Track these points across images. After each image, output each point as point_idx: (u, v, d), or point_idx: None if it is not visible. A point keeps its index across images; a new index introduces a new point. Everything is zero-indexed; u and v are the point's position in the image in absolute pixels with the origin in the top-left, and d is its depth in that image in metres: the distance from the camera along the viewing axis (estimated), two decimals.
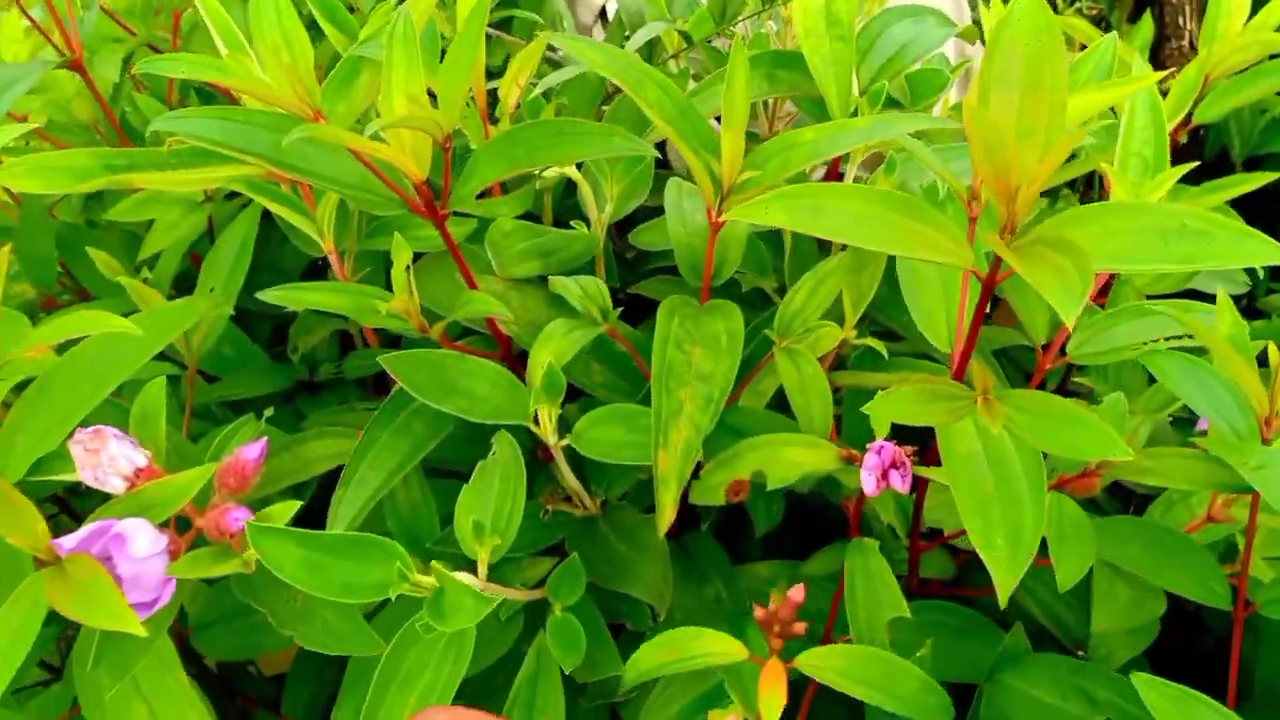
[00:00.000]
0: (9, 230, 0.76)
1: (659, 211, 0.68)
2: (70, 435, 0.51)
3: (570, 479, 0.57)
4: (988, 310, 0.48)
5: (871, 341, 0.58)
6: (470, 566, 0.51)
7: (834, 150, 0.47)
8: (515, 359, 0.60)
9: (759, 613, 0.44)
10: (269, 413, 0.55)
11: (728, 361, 0.48)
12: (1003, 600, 0.39)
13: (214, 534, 0.49)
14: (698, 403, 0.47)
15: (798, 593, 0.44)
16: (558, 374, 0.51)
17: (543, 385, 0.51)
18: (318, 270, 0.78)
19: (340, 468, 0.59)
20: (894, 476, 0.46)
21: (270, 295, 0.51)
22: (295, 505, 0.49)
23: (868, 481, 0.45)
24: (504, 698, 0.57)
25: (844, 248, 0.61)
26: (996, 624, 0.59)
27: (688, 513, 0.66)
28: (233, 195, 0.69)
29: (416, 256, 0.67)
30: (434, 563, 0.46)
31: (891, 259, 0.60)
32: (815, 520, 0.70)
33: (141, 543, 0.46)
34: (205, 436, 0.61)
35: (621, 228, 0.69)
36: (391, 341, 0.71)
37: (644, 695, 0.62)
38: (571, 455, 0.56)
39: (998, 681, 0.55)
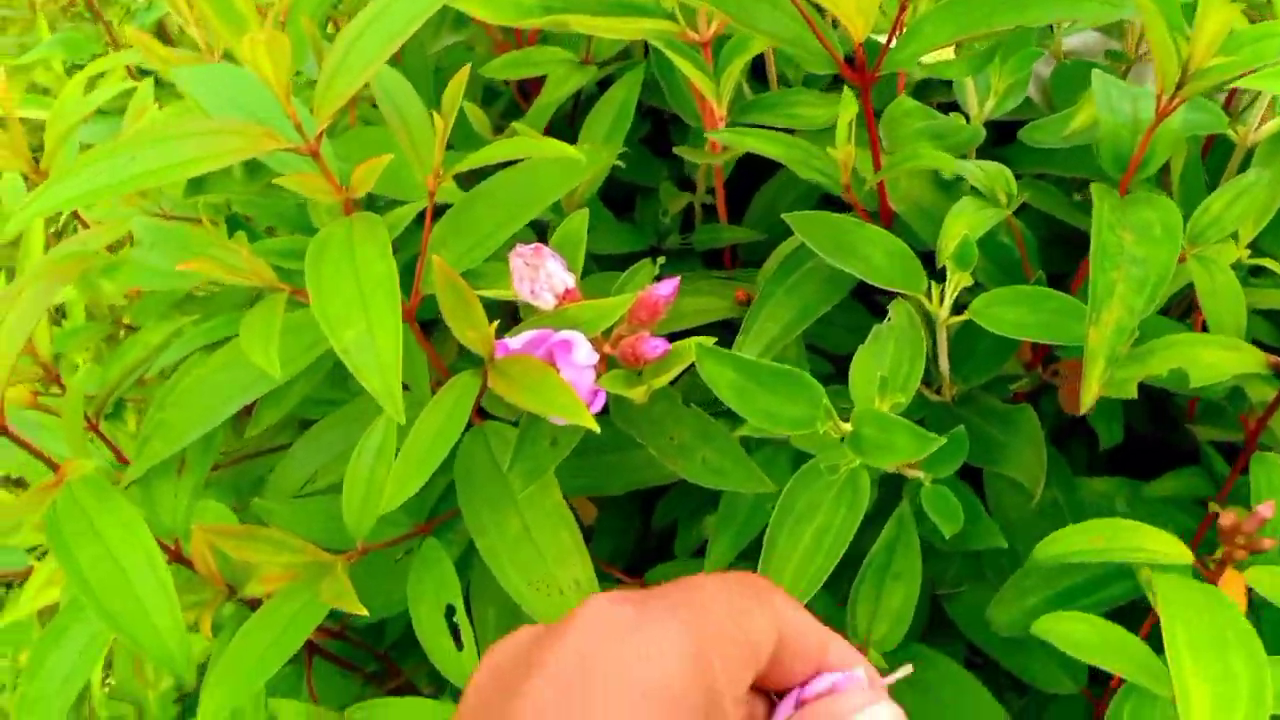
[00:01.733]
0: None
1: None
2: (498, 252, 0.55)
3: (944, 359, 0.57)
4: None
5: (1268, 262, 0.56)
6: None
7: None
8: None
9: (1225, 520, 0.43)
10: (661, 260, 0.57)
11: (1165, 249, 0.47)
12: None
13: (628, 359, 0.52)
14: (1131, 285, 0.47)
15: (1268, 509, 0.43)
16: (972, 246, 0.51)
17: (955, 254, 0.51)
18: (653, 140, 0.80)
19: (703, 325, 0.62)
20: None
21: (720, 135, 0.53)
22: (710, 339, 0.51)
23: None
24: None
25: (1242, 168, 0.59)
26: None
27: None
28: (604, 64, 0.71)
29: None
30: (859, 404, 0.47)
31: None
32: (1142, 446, 0.69)
33: (583, 351, 0.49)
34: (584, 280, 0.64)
35: None
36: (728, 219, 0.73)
37: (973, 590, 0.63)
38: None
39: None
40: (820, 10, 0.53)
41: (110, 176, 0.46)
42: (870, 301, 0.67)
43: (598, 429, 0.46)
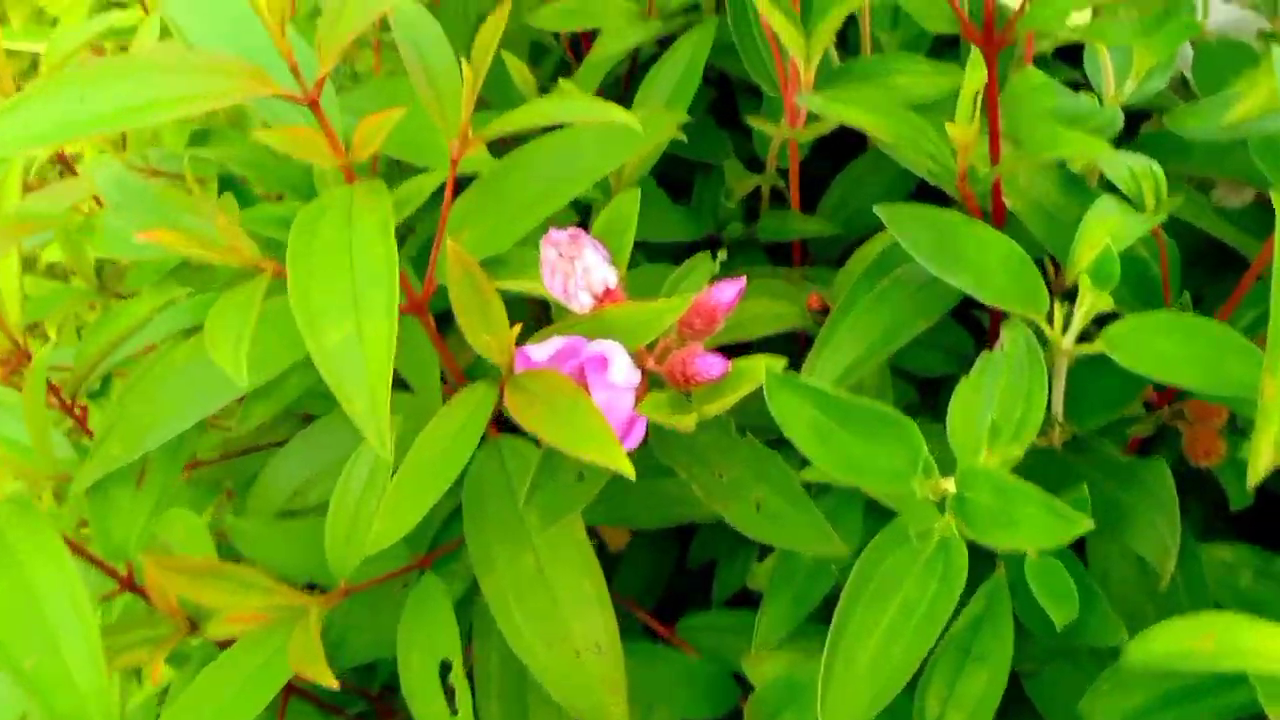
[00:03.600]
0: None
1: None
2: (530, 235, 0.45)
3: (1058, 397, 0.47)
4: None
5: None
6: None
7: None
8: None
9: None
10: (723, 255, 0.48)
11: None
12: None
13: (676, 378, 0.43)
14: None
15: None
16: (1114, 260, 0.41)
17: (1094, 268, 0.41)
18: (717, 110, 0.70)
19: (772, 337, 0.52)
20: None
21: (813, 101, 0.43)
22: (780, 361, 0.41)
23: None
24: None
25: None
26: None
27: None
28: (670, 17, 0.61)
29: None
30: (962, 456, 0.38)
31: None
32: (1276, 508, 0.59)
33: (622, 369, 0.39)
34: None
35: None
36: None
37: (1058, 669, 0.53)
38: None
39: None
40: None
41: (60, 115, 0.37)
42: (966, 315, 0.57)
43: (633, 474, 0.37)
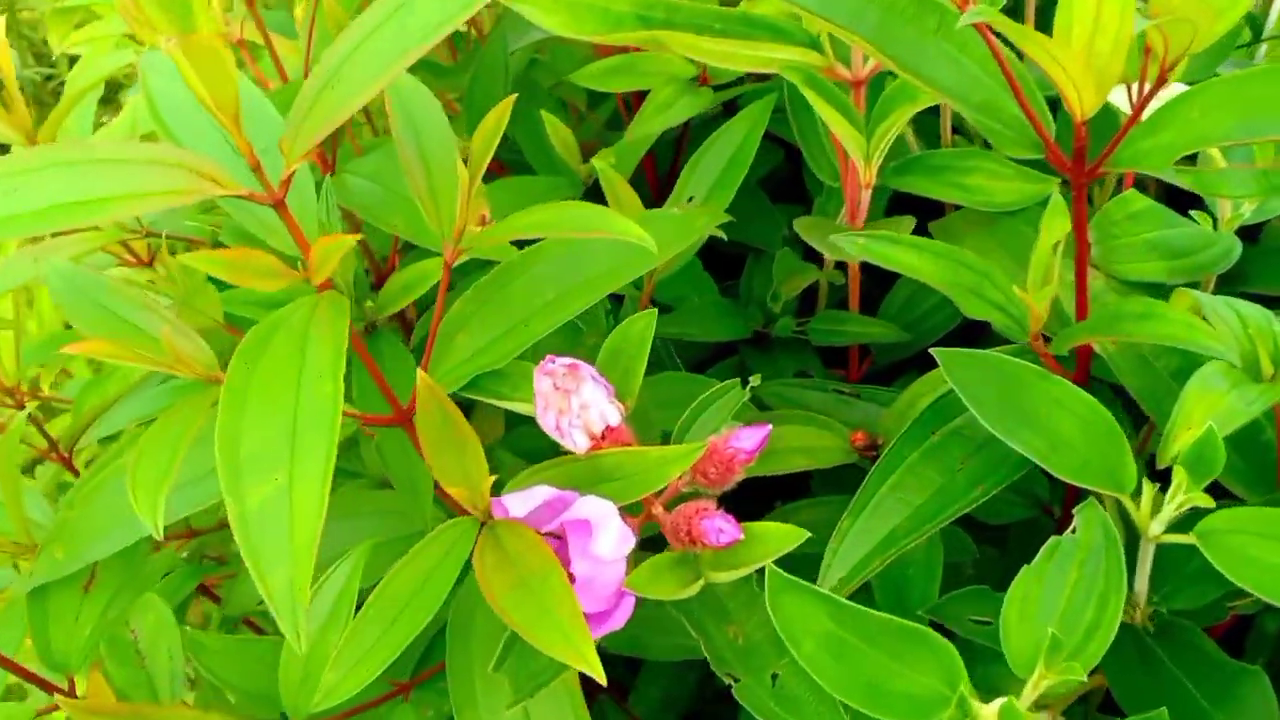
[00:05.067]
0: (445, 70, 0.67)
1: None
2: (537, 346, 0.40)
3: (1143, 579, 0.40)
4: None
5: None
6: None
7: None
8: None
9: None
10: (755, 381, 0.42)
11: None
12: None
13: (679, 536, 0.37)
14: None
15: None
16: (1218, 446, 0.34)
17: (1190, 457, 0.34)
18: (781, 178, 0.64)
19: (807, 475, 0.46)
20: None
21: (853, 242, 0.37)
22: (799, 534, 0.35)
23: None
24: None
25: None
26: None
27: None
28: (723, 87, 0.55)
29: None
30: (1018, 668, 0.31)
31: None
32: None
33: (609, 538, 0.33)
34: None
35: None
36: (862, 304, 0.56)
37: None
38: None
39: None
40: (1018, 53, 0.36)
41: None
42: None
43: (604, 679, 0.31)
